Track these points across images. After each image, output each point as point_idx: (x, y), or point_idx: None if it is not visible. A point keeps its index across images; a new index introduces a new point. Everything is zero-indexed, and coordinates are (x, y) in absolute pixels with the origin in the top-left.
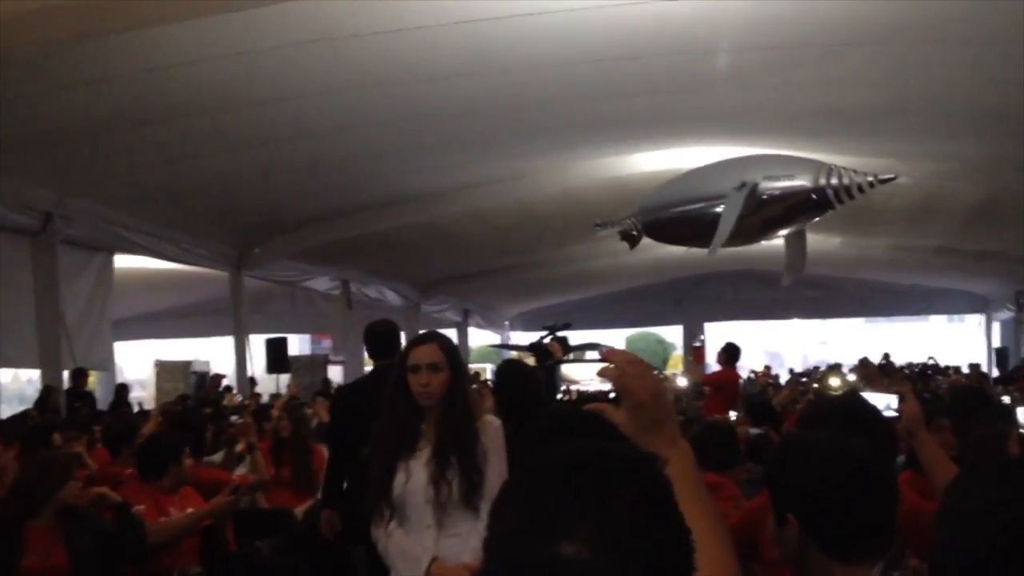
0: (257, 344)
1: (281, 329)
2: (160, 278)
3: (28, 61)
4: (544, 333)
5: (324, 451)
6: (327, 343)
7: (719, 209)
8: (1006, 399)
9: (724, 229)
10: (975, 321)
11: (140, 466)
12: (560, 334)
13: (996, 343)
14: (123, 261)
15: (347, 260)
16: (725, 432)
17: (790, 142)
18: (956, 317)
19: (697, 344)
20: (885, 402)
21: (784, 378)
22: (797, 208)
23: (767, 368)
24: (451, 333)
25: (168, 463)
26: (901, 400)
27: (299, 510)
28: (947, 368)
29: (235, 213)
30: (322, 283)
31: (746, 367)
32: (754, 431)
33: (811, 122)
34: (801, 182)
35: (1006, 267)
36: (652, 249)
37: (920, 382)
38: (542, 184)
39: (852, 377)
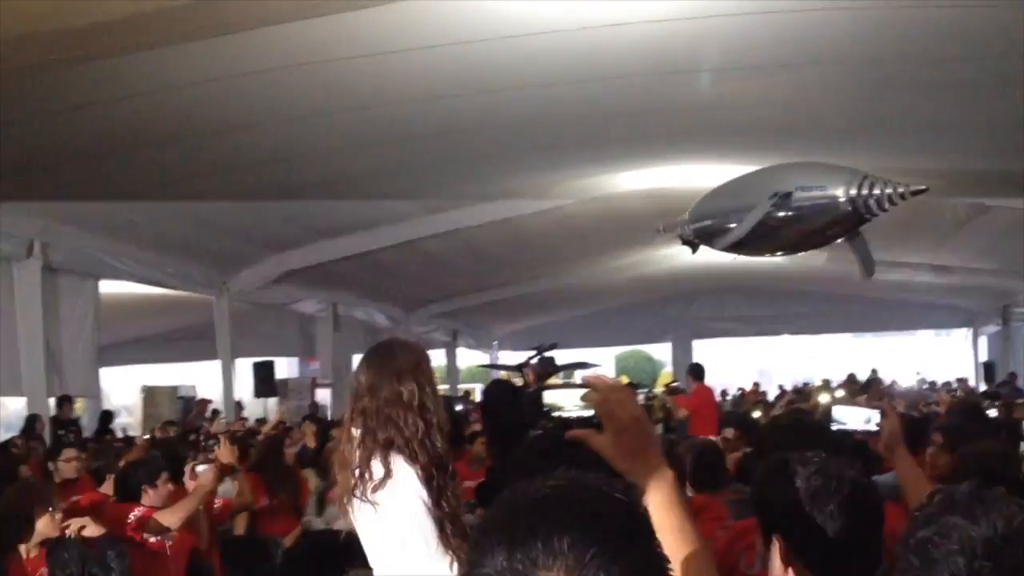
0: (245, 368)
1: (269, 352)
2: (147, 303)
3: (10, 87)
4: (532, 353)
5: (309, 477)
6: (316, 365)
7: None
8: (992, 412)
9: (738, 232)
10: (962, 335)
11: (118, 491)
12: (547, 354)
13: (983, 357)
14: (109, 286)
15: (334, 282)
16: (712, 453)
17: (772, 157)
18: (943, 331)
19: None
20: (866, 416)
21: (773, 395)
22: (833, 220)
23: (755, 386)
24: (440, 353)
25: (145, 489)
26: (882, 415)
27: (287, 539)
28: (934, 383)
29: (220, 237)
30: (309, 306)
31: (735, 384)
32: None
33: (792, 140)
34: (835, 192)
35: (992, 281)
36: (640, 267)
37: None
38: (528, 204)
39: (840, 393)
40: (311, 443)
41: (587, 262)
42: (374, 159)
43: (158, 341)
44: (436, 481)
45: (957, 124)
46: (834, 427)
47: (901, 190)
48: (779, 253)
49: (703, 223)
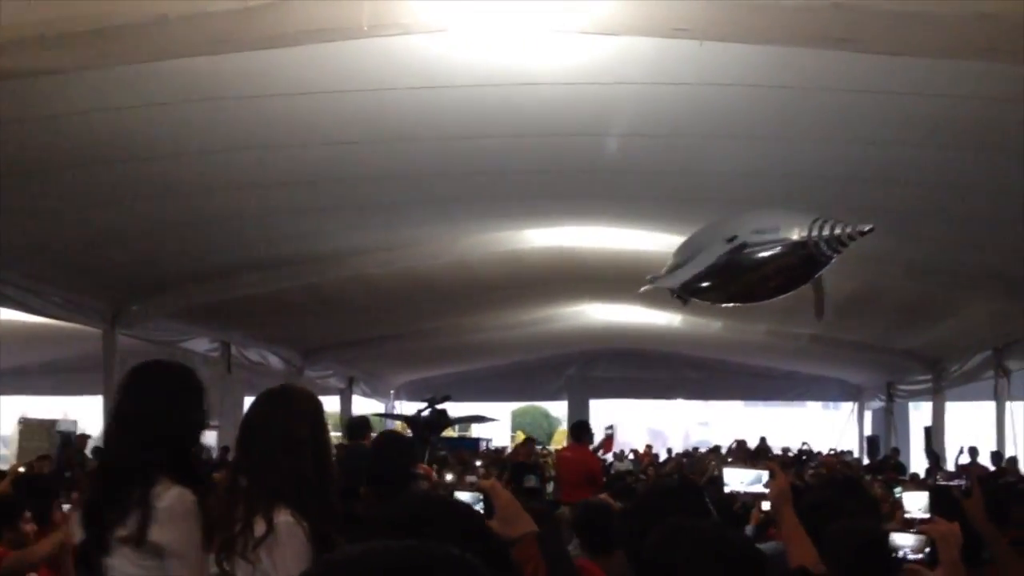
0: None
1: None
2: (30, 332)
3: None
4: (423, 405)
5: None
6: None
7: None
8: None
9: (686, 271)
10: (848, 409)
11: None
12: (441, 406)
13: (868, 431)
14: None
15: (228, 321)
16: (603, 515)
17: (675, 225)
18: (831, 404)
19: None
20: (755, 477)
21: (664, 457)
22: (791, 264)
23: (648, 448)
24: (334, 400)
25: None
26: (771, 476)
27: None
28: (819, 453)
29: (112, 269)
30: (201, 344)
31: (628, 444)
32: None
33: (696, 208)
34: (788, 234)
35: (878, 357)
36: (540, 324)
37: (794, 468)
38: (433, 253)
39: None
40: None
41: (489, 316)
42: (276, 199)
43: (40, 372)
44: (327, 540)
45: (867, 200)
46: (725, 489)
47: (849, 230)
48: (748, 299)
49: (673, 272)
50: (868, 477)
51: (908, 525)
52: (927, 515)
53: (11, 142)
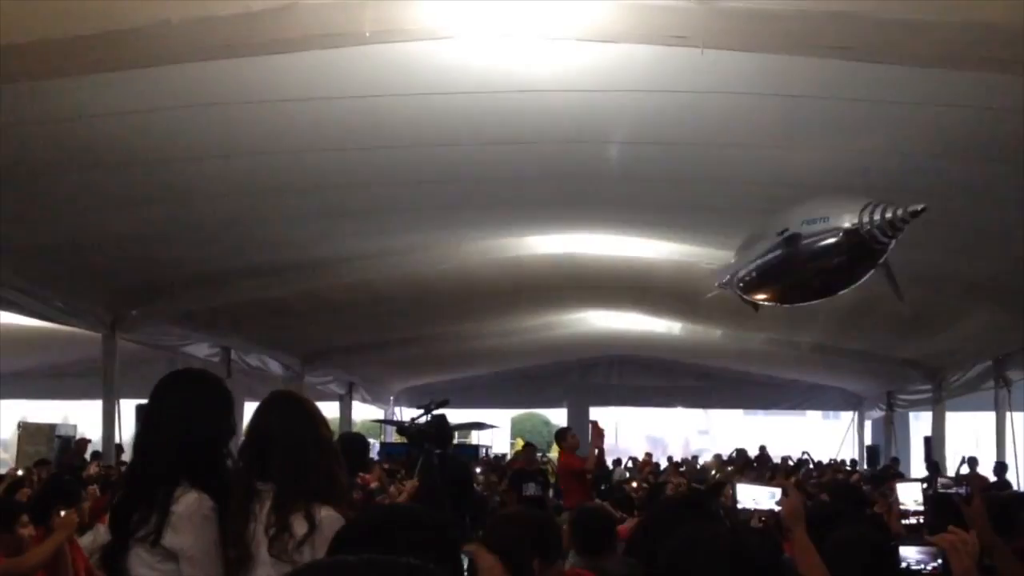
0: (130, 409)
1: None
2: (30, 336)
3: None
4: (420, 412)
5: None
6: None
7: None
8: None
9: (742, 268)
10: (848, 418)
11: None
12: (439, 411)
13: (868, 440)
14: None
15: (229, 327)
16: (599, 518)
17: (676, 233)
18: (831, 413)
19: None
20: (768, 495)
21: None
22: (847, 254)
23: (648, 456)
24: (334, 406)
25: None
26: (784, 494)
27: None
28: (820, 463)
29: (112, 273)
30: (201, 349)
31: (626, 452)
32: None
33: (695, 215)
34: (840, 223)
35: (878, 366)
36: (540, 331)
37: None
38: (434, 260)
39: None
40: None
41: (490, 322)
42: (273, 205)
43: (41, 376)
44: None
45: None
46: (738, 506)
47: (900, 212)
48: (814, 294)
49: (734, 273)
50: (867, 488)
51: (902, 517)
52: (921, 507)
53: (12, 145)
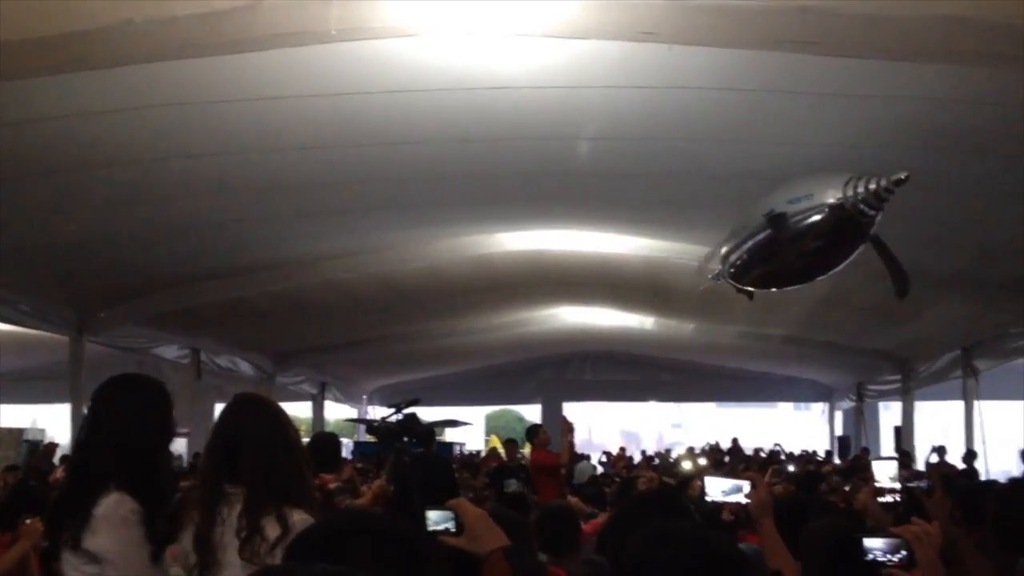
0: None
1: None
2: None
3: None
4: (391, 412)
5: None
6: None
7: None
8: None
9: (731, 247)
10: (820, 409)
11: None
12: (410, 410)
13: (839, 431)
14: None
15: (198, 328)
16: (563, 518)
17: (647, 228)
18: (803, 405)
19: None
20: (736, 486)
21: (638, 459)
22: (834, 229)
23: (622, 450)
24: (306, 407)
25: None
26: (752, 487)
27: None
28: (791, 454)
29: (79, 275)
30: (170, 351)
31: (601, 447)
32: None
33: (666, 210)
34: (824, 199)
35: (848, 358)
36: (513, 328)
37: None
38: (404, 258)
39: (703, 461)
40: None
41: (462, 320)
42: (244, 205)
43: (8, 380)
44: None
45: None
46: (707, 499)
47: (884, 183)
48: (805, 276)
49: (724, 259)
50: (837, 478)
51: (878, 494)
52: (896, 484)
53: None
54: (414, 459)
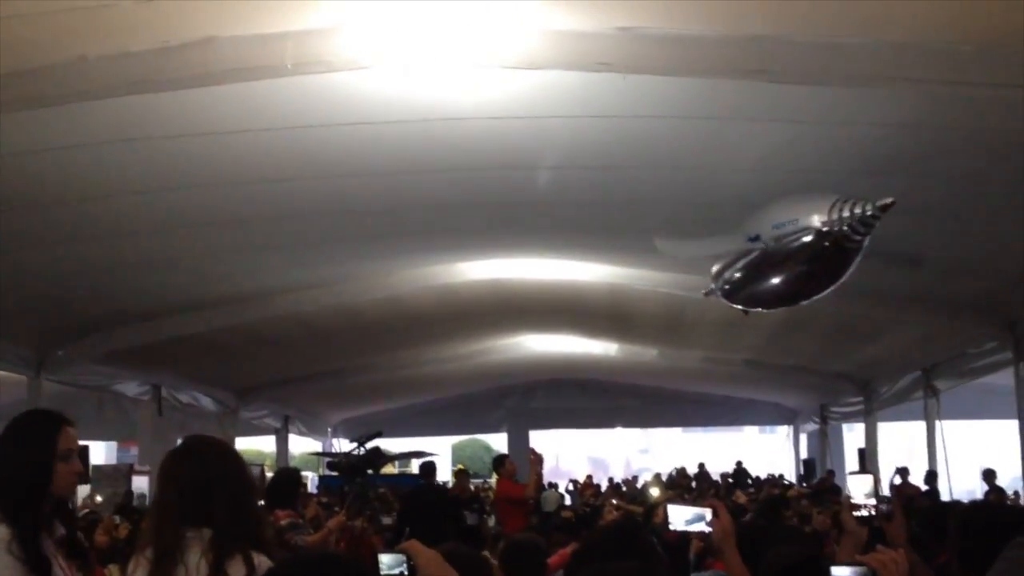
0: None
1: (86, 436)
2: None
3: None
4: (354, 446)
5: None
6: (136, 451)
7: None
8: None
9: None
10: (784, 432)
11: None
12: (374, 443)
13: (804, 454)
14: None
15: (159, 364)
16: (529, 550)
17: (608, 255)
18: (768, 428)
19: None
20: (698, 515)
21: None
22: (822, 254)
23: (588, 478)
24: (270, 441)
25: None
26: (714, 515)
27: None
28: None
29: (36, 313)
30: (131, 388)
31: (568, 474)
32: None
33: (625, 237)
34: (810, 223)
35: (811, 380)
36: (477, 357)
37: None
38: (366, 290)
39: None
40: (122, 535)
41: (426, 350)
42: (204, 239)
43: None
44: None
45: None
46: (670, 527)
47: (870, 208)
48: (796, 297)
49: (719, 274)
50: (805, 502)
51: (854, 509)
52: (873, 500)
53: None
54: (415, 490)
